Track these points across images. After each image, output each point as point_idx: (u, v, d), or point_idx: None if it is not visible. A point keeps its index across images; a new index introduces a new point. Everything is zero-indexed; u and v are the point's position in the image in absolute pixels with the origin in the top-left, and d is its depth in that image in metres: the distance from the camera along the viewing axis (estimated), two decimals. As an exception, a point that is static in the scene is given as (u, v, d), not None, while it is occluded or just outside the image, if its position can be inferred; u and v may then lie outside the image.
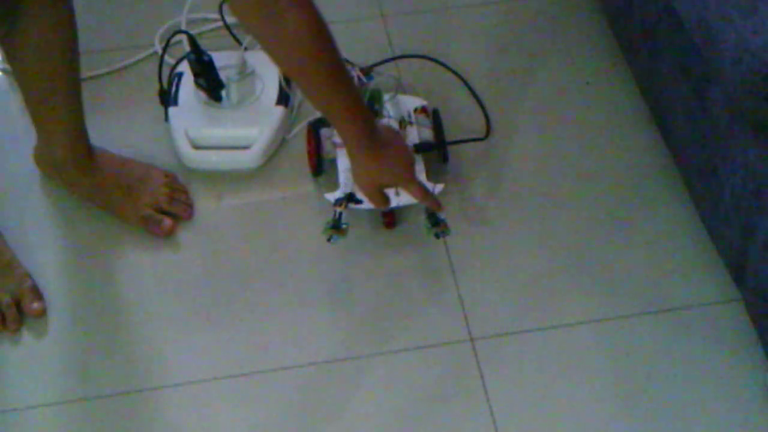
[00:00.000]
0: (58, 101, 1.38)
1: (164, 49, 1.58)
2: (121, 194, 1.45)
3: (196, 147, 1.51)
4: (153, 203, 1.45)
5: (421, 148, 1.47)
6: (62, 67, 1.34)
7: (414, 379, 1.30)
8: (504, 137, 1.57)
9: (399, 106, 1.52)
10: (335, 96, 1.17)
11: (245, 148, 1.51)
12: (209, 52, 1.51)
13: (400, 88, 1.57)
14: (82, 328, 1.36)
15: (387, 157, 1.25)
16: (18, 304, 1.36)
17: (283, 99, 1.56)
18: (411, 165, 1.29)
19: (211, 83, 1.52)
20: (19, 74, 1.35)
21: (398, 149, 1.27)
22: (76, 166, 1.45)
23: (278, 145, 1.55)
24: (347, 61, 1.64)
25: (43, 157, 1.48)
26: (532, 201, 1.49)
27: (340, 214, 1.36)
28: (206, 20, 1.72)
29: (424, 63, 1.66)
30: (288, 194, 1.50)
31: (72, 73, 1.36)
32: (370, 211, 1.43)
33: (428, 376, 1.31)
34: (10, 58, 1.34)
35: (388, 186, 1.30)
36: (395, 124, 1.48)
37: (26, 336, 1.35)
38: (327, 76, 1.15)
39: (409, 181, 1.28)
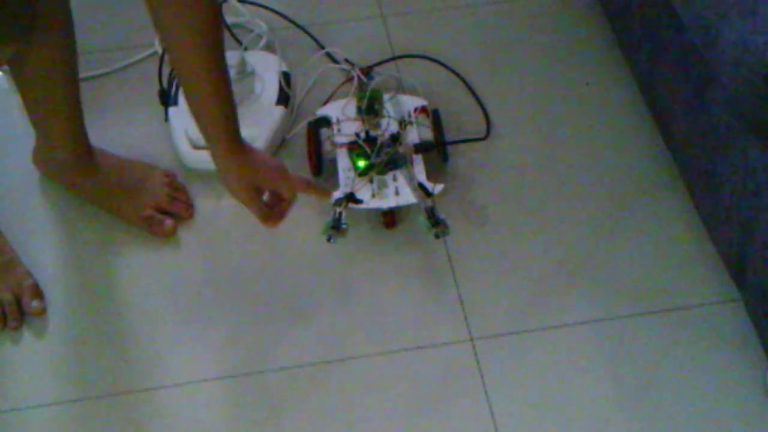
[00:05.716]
0: (58, 104, 1.38)
1: (164, 50, 1.58)
2: (122, 195, 1.45)
3: (196, 147, 1.51)
4: (154, 203, 1.45)
5: (421, 148, 1.47)
6: (64, 74, 1.34)
7: (414, 379, 1.30)
8: (504, 137, 1.57)
9: (399, 106, 1.52)
10: (221, 87, 1.17)
11: (245, 148, 1.51)
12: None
13: (400, 88, 1.57)
14: (81, 328, 1.36)
15: (256, 156, 1.24)
16: (18, 303, 1.36)
17: (283, 99, 1.56)
18: (282, 165, 1.27)
19: (211, 83, 1.52)
20: (21, 83, 1.35)
21: (262, 152, 1.29)
22: (76, 167, 1.45)
23: (278, 145, 1.55)
24: (347, 60, 1.66)
25: (42, 159, 1.48)
26: (532, 201, 1.49)
27: (340, 214, 1.36)
28: (206, 20, 1.73)
29: (424, 63, 1.66)
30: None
31: (72, 77, 1.36)
32: (370, 211, 1.43)
33: (428, 376, 1.31)
34: (14, 71, 1.33)
35: (264, 185, 1.26)
36: (395, 124, 1.48)
37: (26, 335, 1.35)
38: (220, 64, 1.15)
39: (284, 174, 1.26)
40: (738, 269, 1.30)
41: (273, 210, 1.28)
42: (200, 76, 1.15)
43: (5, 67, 1.59)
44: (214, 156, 1.23)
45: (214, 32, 1.13)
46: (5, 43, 1.09)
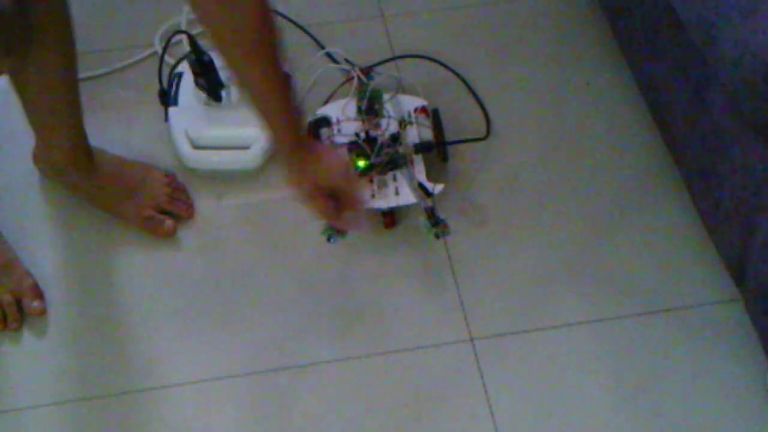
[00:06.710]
0: (58, 110, 1.37)
1: (164, 49, 1.58)
2: (122, 195, 1.45)
3: (196, 147, 1.51)
4: (153, 203, 1.45)
5: (421, 148, 1.47)
6: (63, 82, 1.34)
7: (414, 379, 1.30)
8: (504, 137, 1.57)
9: (399, 106, 1.52)
10: (278, 87, 1.14)
11: (245, 148, 1.51)
12: (209, 52, 1.51)
13: (400, 88, 1.57)
14: (81, 328, 1.36)
15: (322, 155, 1.20)
16: (18, 303, 1.36)
17: (283, 99, 1.56)
18: (347, 164, 1.22)
19: (211, 83, 1.52)
20: (20, 91, 1.34)
21: (329, 149, 1.24)
22: (76, 168, 1.45)
23: (278, 145, 1.55)
24: (347, 60, 1.66)
25: (42, 160, 1.48)
26: (532, 201, 1.49)
27: (340, 214, 1.36)
28: (206, 20, 1.72)
29: (424, 63, 1.66)
30: (288, 194, 1.50)
31: (72, 83, 1.35)
32: (370, 211, 1.43)
33: (428, 376, 1.31)
34: (13, 79, 1.33)
35: (327, 186, 1.22)
36: (395, 124, 1.48)
37: (26, 335, 1.35)
38: (274, 65, 1.12)
39: (348, 179, 1.22)
40: (738, 269, 1.30)
41: (336, 208, 1.23)
42: (254, 77, 1.12)
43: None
44: (277, 152, 1.20)
45: (263, 29, 1.08)
46: (1, 56, 1.09)
